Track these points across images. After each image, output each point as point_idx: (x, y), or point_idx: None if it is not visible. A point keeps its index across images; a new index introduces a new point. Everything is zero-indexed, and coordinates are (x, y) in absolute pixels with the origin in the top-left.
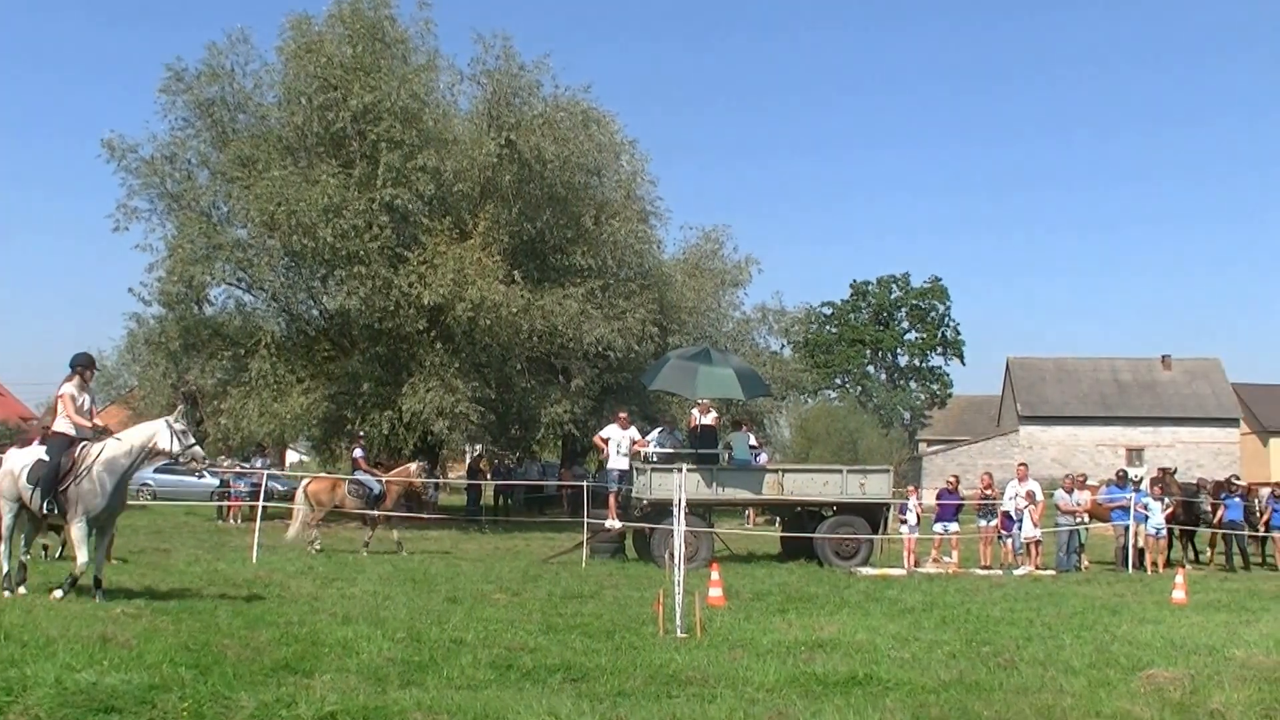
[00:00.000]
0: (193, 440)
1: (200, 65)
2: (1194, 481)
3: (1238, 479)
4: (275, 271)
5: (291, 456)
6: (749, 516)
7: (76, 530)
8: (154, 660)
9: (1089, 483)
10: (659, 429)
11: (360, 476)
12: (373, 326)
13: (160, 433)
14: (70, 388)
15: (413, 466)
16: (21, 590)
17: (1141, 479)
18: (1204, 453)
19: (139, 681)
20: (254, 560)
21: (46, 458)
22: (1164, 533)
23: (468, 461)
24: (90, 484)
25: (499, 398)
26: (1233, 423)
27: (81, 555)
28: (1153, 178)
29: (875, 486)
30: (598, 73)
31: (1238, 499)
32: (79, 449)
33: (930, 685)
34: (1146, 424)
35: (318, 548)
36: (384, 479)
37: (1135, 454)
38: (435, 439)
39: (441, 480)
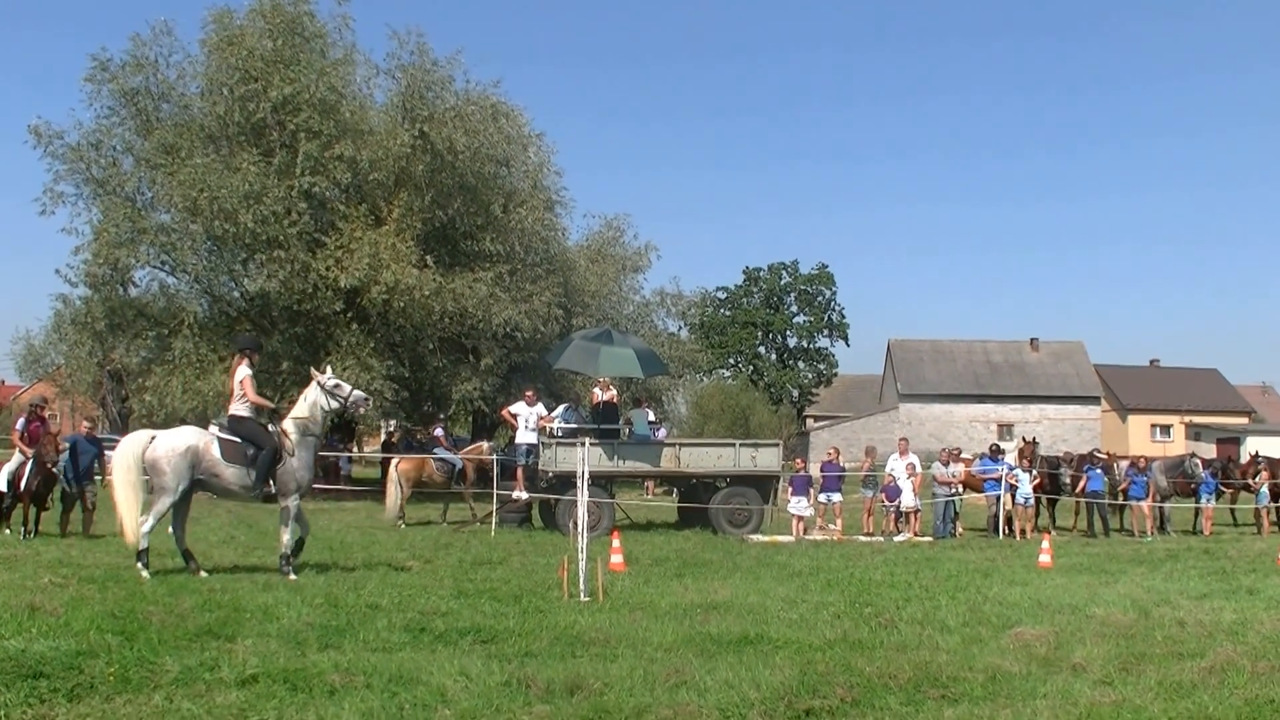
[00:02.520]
0: (347, 389)
1: (125, 56)
2: (1058, 455)
3: (1099, 452)
4: (198, 255)
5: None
6: (648, 488)
7: (292, 507)
8: (81, 627)
9: (963, 456)
10: (564, 405)
11: (441, 453)
12: (292, 308)
13: (319, 397)
14: (248, 371)
15: (485, 445)
16: (145, 574)
17: (1012, 452)
18: (1068, 428)
19: (66, 648)
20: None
21: (236, 439)
22: (1031, 501)
23: (383, 436)
24: (299, 461)
25: (412, 376)
26: (1094, 401)
27: (286, 534)
28: (1019, 171)
29: (766, 459)
30: (498, 52)
31: (1099, 471)
32: (276, 429)
33: (817, 643)
34: (1016, 402)
35: (404, 524)
36: (462, 456)
37: (1006, 429)
38: (351, 415)
39: (357, 454)
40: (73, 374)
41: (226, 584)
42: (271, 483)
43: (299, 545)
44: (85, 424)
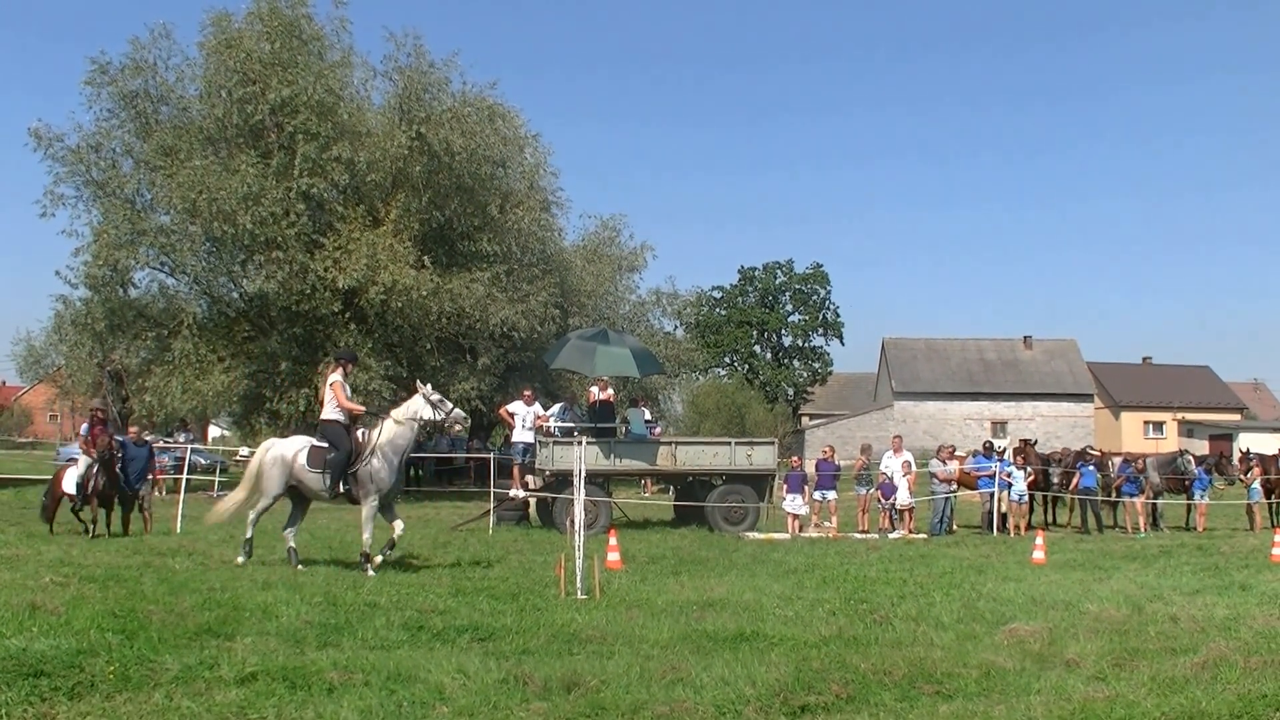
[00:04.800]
0: (450, 404)
1: (124, 59)
2: (1048, 454)
3: (1093, 449)
4: (197, 256)
5: (213, 432)
6: (645, 485)
7: (368, 507)
8: (81, 626)
9: (957, 453)
10: (559, 404)
11: None
12: (290, 308)
13: (421, 406)
14: (339, 378)
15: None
16: (300, 567)
17: (1005, 449)
18: (1061, 425)
19: (67, 647)
20: (178, 530)
21: (324, 444)
22: (1025, 498)
23: None
24: (380, 463)
25: (410, 375)
26: (1087, 398)
27: (366, 533)
28: (1012, 172)
29: (761, 457)
30: (492, 50)
31: (1092, 468)
32: (360, 433)
33: (812, 640)
34: (1009, 399)
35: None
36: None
37: (999, 427)
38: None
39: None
40: (73, 375)
41: (226, 583)
42: (352, 484)
43: (390, 544)
44: (133, 429)
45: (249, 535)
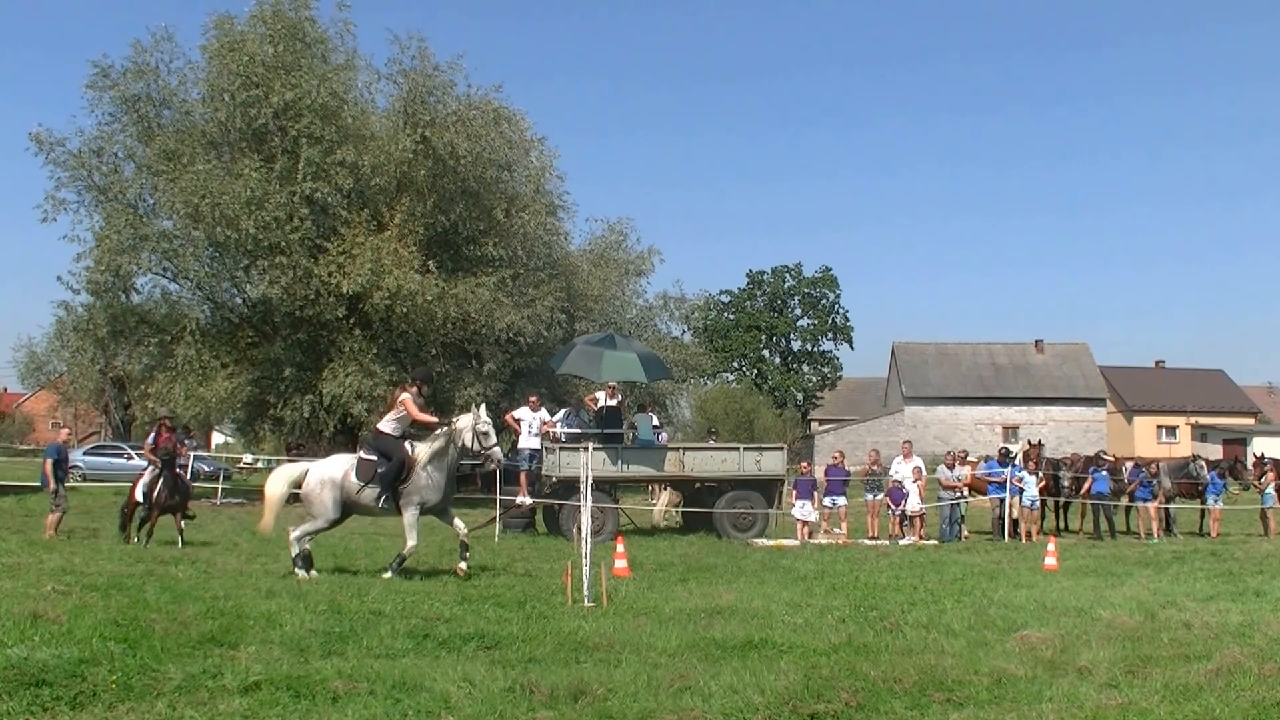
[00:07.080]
0: (493, 441)
1: (126, 62)
2: (1058, 459)
3: (1105, 454)
4: (200, 261)
5: (217, 438)
6: (653, 492)
7: (409, 517)
8: (84, 635)
9: (969, 458)
10: (564, 410)
11: None
12: (294, 314)
13: (464, 430)
14: (411, 397)
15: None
16: (313, 574)
17: (1018, 456)
18: (1073, 430)
19: (69, 656)
20: (181, 538)
21: (373, 457)
22: (1037, 504)
23: None
24: (426, 479)
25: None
26: (1100, 402)
27: (411, 540)
28: (1022, 175)
29: (770, 463)
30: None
31: (1105, 473)
32: (411, 448)
33: (821, 648)
34: (1021, 404)
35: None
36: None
37: (1011, 432)
38: (355, 421)
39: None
40: (75, 381)
41: (229, 591)
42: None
43: (398, 559)
44: (64, 431)
45: (297, 552)
